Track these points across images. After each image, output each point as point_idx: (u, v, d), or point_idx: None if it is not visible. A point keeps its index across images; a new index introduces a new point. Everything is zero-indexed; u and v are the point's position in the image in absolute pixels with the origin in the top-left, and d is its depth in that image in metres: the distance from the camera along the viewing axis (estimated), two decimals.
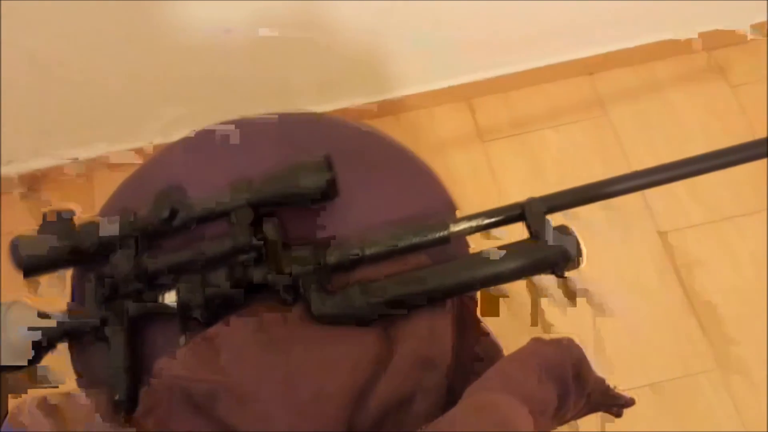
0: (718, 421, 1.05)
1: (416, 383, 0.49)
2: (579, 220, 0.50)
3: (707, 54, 1.35)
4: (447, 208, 0.65)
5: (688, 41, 1.32)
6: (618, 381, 0.52)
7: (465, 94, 1.36)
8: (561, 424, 0.49)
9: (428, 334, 0.50)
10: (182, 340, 0.54)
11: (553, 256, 0.49)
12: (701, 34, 1.31)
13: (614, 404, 0.50)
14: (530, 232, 0.51)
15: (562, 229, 0.50)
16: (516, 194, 0.55)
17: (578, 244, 0.49)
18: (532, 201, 0.51)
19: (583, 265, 0.50)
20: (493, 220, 0.52)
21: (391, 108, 1.33)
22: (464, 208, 0.60)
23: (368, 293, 0.51)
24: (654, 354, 1.11)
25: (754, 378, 1.08)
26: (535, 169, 1.29)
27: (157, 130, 1.24)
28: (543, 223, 0.50)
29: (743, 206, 1.21)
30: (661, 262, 1.18)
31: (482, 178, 1.29)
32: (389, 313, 0.52)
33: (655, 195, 1.24)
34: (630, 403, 0.49)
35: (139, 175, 0.69)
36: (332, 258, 0.52)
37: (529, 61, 1.31)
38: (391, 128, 0.69)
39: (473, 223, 0.52)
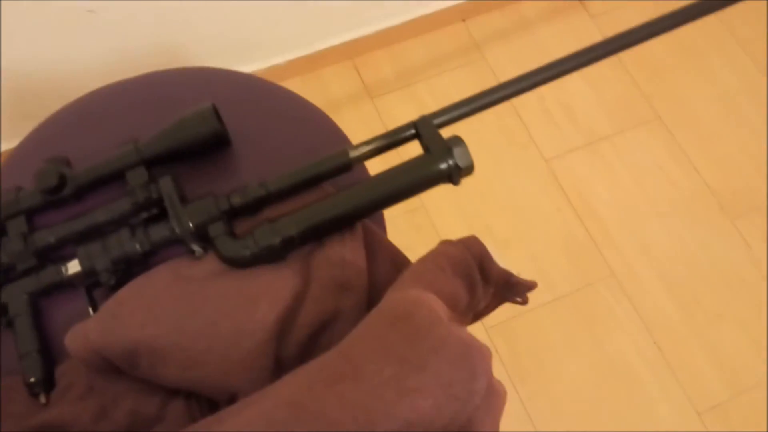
0: (620, 320, 1.15)
1: (336, 306, 0.50)
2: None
3: None
4: (342, 143, 0.66)
5: None
6: None
7: (348, 53, 1.37)
8: (475, 319, 0.52)
9: (341, 260, 0.51)
10: (91, 310, 0.53)
11: (448, 167, 0.51)
12: None
13: (518, 292, 0.53)
14: (424, 148, 0.53)
15: (453, 140, 0.52)
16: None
17: (468, 153, 0.51)
18: (423, 118, 0.54)
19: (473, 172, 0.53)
20: (389, 141, 0.53)
21: (277, 74, 1.32)
22: None
23: (278, 229, 0.50)
24: (555, 271, 1.20)
25: (643, 277, 1.19)
26: None
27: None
28: (435, 136, 0.52)
29: (616, 125, 1.32)
30: (550, 187, 1.26)
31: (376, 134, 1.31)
32: (301, 245, 0.53)
33: (537, 126, 1.32)
34: (532, 286, 0.53)
35: (15, 158, 0.64)
36: (236, 200, 0.52)
37: (404, 14, 1.34)
38: None
39: (372, 146, 0.53)
